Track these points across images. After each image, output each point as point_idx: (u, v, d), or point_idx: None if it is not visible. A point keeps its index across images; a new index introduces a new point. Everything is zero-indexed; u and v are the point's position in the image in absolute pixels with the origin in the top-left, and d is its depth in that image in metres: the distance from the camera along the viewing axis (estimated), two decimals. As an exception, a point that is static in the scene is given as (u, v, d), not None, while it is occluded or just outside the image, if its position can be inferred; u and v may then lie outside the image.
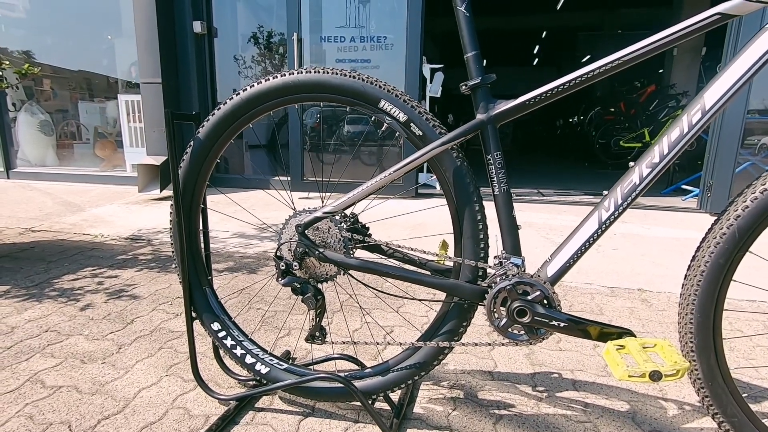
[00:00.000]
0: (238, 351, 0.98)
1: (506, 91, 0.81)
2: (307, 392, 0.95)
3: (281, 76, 0.85)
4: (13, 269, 1.85)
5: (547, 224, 2.73)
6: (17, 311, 1.45)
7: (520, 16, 10.11)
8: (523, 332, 0.80)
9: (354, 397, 0.91)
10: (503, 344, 0.81)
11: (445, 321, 0.88)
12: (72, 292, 1.61)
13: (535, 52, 13.77)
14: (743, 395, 0.77)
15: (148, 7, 3.51)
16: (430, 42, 10.43)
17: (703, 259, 0.72)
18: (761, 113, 2.94)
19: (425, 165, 4.03)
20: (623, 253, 2.15)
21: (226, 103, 0.89)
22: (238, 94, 0.88)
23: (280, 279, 0.88)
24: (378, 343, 0.91)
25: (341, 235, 0.86)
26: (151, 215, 2.90)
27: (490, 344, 0.83)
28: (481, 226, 0.83)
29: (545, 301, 0.78)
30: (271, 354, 0.99)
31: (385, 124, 0.84)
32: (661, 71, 7.05)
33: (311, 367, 1.04)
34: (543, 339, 0.79)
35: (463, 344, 0.86)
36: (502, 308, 0.79)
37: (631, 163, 0.77)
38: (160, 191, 3.50)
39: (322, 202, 0.88)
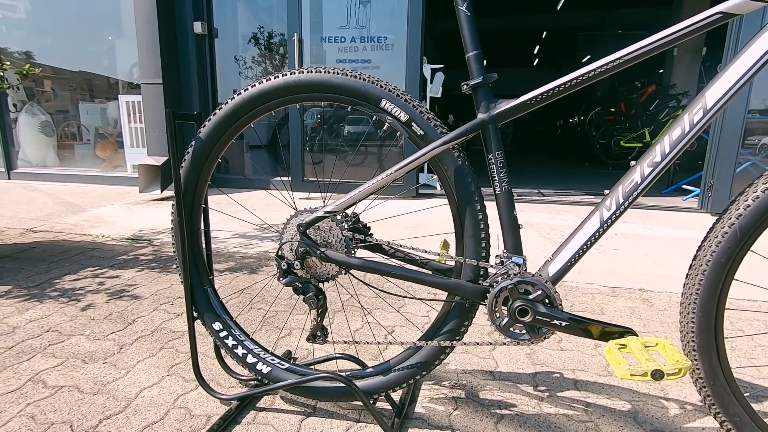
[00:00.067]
0: (240, 351, 0.98)
1: (506, 92, 0.81)
2: (308, 392, 0.95)
3: (282, 75, 0.85)
4: (15, 269, 1.85)
5: (547, 224, 2.73)
6: (18, 311, 1.45)
7: (521, 16, 10.11)
8: (524, 331, 0.80)
9: (355, 396, 0.91)
10: (504, 344, 0.81)
11: (447, 320, 0.88)
12: (73, 293, 1.61)
13: (535, 52, 13.77)
14: (745, 394, 0.77)
15: (148, 8, 3.52)
16: (430, 42, 10.44)
17: (704, 258, 0.72)
18: (762, 113, 2.94)
19: (426, 165, 4.04)
20: (624, 253, 2.15)
21: (227, 103, 0.89)
22: (240, 93, 0.88)
23: (281, 278, 0.88)
24: (379, 343, 0.91)
25: (342, 235, 0.86)
26: (152, 216, 2.90)
27: (491, 344, 0.83)
28: (482, 226, 0.83)
29: (547, 301, 0.78)
30: (272, 354, 1.00)
31: (387, 124, 0.84)
32: (661, 71, 7.05)
33: (312, 366, 1.04)
34: (544, 338, 0.79)
35: (465, 344, 0.86)
36: (503, 307, 0.79)
37: (633, 163, 0.77)
38: (161, 192, 3.50)
39: (323, 202, 0.88)
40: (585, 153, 6.88)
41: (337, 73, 0.84)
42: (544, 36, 11.90)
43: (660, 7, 8.01)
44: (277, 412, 0.97)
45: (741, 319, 1.45)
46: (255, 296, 1.62)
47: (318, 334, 0.90)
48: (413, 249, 0.87)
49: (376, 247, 0.92)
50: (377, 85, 0.83)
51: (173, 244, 0.97)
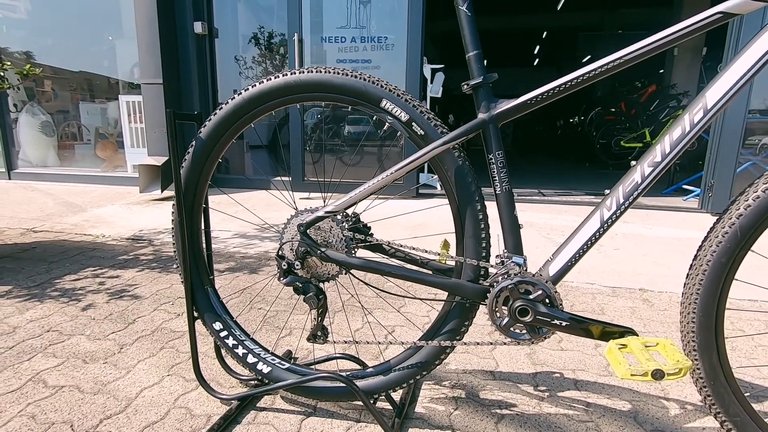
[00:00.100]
0: (240, 350, 0.98)
1: (507, 92, 0.81)
2: (308, 392, 0.95)
3: (283, 75, 0.85)
4: (15, 269, 1.85)
5: (548, 224, 2.73)
6: (19, 311, 1.45)
7: (521, 16, 10.11)
8: (524, 331, 0.80)
9: (356, 396, 0.91)
10: (505, 343, 0.81)
11: (447, 320, 0.88)
12: (73, 293, 1.62)
13: (535, 52, 13.77)
14: (745, 394, 0.77)
15: (149, 8, 3.52)
16: (430, 42, 10.44)
17: (705, 258, 0.72)
18: (762, 113, 2.93)
19: (426, 165, 4.04)
20: (624, 253, 2.15)
21: (227, 102, 0.89)
22: (240, 93, 0.88)
23: (282, 278, 0.88)
24: (380, 343, 0.91)
25: (343, 235, 0.86)
26: (152, 215, 2.90)
27: (491, 343, 0.83)
28: (482, 226, 0.83)
29: (547, 300, 0.78)
30: (272, 353, 1.00)
31: (387, 124, 0.84)
32: (661, 71, 7.05)
33: (313, 366, 1.04)
34: (545, 338, 0.79)
35: (465, 343, 0.86)
36: (504, 307, 0.79)
37: (633, 162, 0.77)
38: (161, 192, 3.50)
39: (324, 202, 0.88)
40: (585, 153, 6.88)
41: (338, 73, 0.84)
42: (544, 36, 11.90)
43: (660, 8, 8.01)
44: (278, 412, 0.97)
45: (741, 319, 1.45)
46: (255, 296, 1.62)
47: (318, 334, 0.90)
48: (414, 249, 0.87)
49: (377, 247, 0.92)
50: (378, 85, 0.83)
51: (174, 243, 0.97)
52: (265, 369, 0.96)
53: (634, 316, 1.47)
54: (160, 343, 1.26)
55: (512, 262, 0.80)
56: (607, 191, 0.82)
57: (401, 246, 0.91)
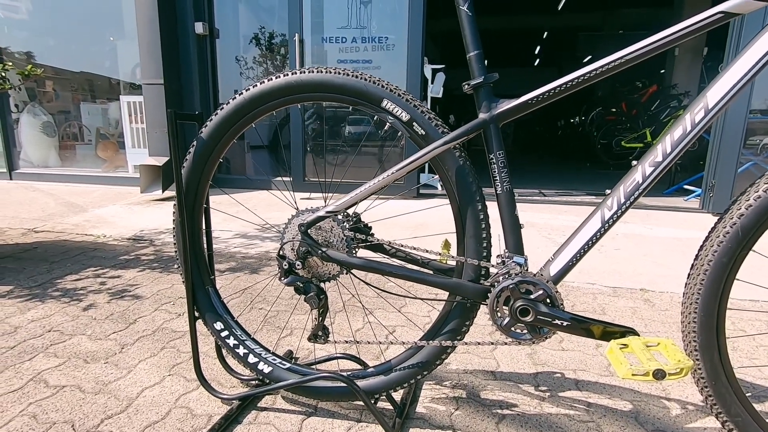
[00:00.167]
0: (241, 350, 0.98)
1: (507, 92, 0.81)
2: (309, 392, 0.95)
3: (284, 75, 0.86)
4: (16, 269, 1.85)
5: (548, 224, 2.73)
6: (20, 311, 1.45)
7: (521, 17, 10.11)
8: (525, 331, 0.80)
9: (357, 396, 0.91)
10: (506, 343, 0.81)
11: (448, 320, 0.88)
12: (75, 293, 1.62)
13: (536, 52, 13.77)
14: (747, 395, 0.77)
15: (150, 9, 3.52)
16: (431, 42, 10.44)
17: (706, 258, 0.72)
18: (763, 113, 2.93)
19: (427, 165, 4.04)
20: (625, 253, 2.15)
21: (228, 102, 0.89)
22: (241, 93, 0.88)
23: (283, 278, 0.88)
24: (380, 343, 0.91)
25: (344, 235, 0.86)
26: (153, 216, 2.91)
27: (492, 343, 0.83)
28: (483, 225, 0.83)
29: (548, 300, 0.78)
30: (273, 353, 1.00)
31: (388, 124, 0.84)
32: (662, 71, 7.04)
33: (314, 366, 1.04)
34: (546, 338, 0.79)
35: (466, 343, 0.86)
36: (504, 307, 0.79)
37: (634, 162, 0.77)
38: (162, 192, 3.50)
39: (325, 202, 0.88)
40: (586, 153, 6.87)
41: (339, 73, 0.84)
42: (545, 36, 11.90)
43: (661, 8, 8.00)
44: (279, 411, 0.97)
45: (742, 320, 1.45)
46: (256, 296, 1.62)
47: (319, 333, 0.90)
48: (414, 249, 0.87)
49: (378, 247, 0.92)
50: (378, 85, 0.83)
51: (175, 244, 0.97)
52: (266, 369, 0.96)
53: (635, 316, 1.47)
54: (161, 342, 1.27)
55: (513, 261, 0.80)
56: (608, 191, 0.82)
57: (402, 246, 0.91)
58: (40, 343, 1.25)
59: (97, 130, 4.54)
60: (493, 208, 0.79)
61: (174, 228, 0.96)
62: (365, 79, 0.83)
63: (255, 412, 0.97)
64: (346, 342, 0.94)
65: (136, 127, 3.97)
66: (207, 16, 3.81)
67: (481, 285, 0.82)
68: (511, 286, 0.78)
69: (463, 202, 0.83)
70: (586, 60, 10.97)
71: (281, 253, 0.88)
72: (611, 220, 0.76)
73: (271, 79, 0.86)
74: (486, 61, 0.81)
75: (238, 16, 3.97)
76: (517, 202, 0.83)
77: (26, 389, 1.04)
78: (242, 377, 1.05)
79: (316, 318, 0.89)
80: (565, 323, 0.77)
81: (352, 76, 0.83)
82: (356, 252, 0.88)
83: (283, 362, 0.98)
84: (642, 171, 0.74)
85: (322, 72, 0.84)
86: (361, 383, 0.92)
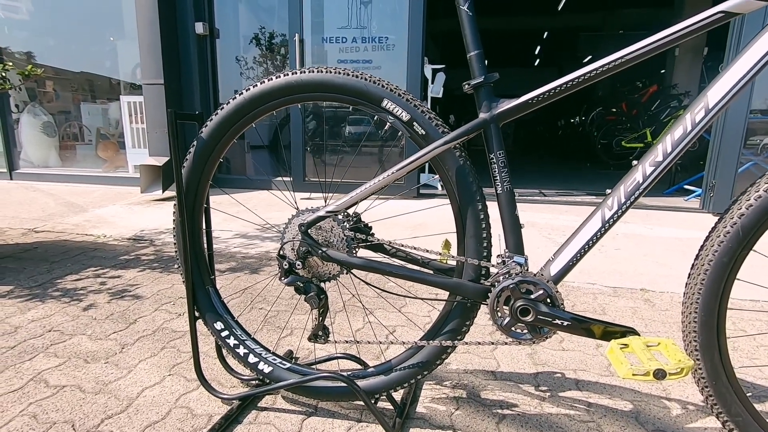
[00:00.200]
0: (241, 350, 0.98)
1: (507, 92, 0.81)
2: (310, 391, 0.95)
3: (284, 75, 0.85)
4: (17, 269, 1.85)
5: (549, 224, 2.73)
6: (20, 311, 1.45)
7: (521, 17, 10.11)
8: (526, 331, 0.79)
9: (357, 396, 0.91)
10: (506, 343, 0.81)
11: (448, 320, 0.88)
12: (75, 293, 1.62)
13: (536, 53, 13.76)
14: (747, 395, 0.77)
15: (150, 9, 3.52)
16: (431, 42, 10.44)
17: (707, 258, 0.72)
18: (763, 113, 2.93)
19: (427, 165, 4.04)
20: (626, 253, 2.15)
21: (229, 102, 0.89)
22: (241, 93, 0.88)
23: (283, 278, 0.88)
24: (381, 343, 0.91)
25: (344, 234, 0.86)
26: (154, 216, 2.91)
27: (493, 343, 0.83)
28: (484, 225, 0.83)
29: (548, 300, 0.78)
30: (273, 353, 1.00)
31: (388, 124, 0.84)
32: (663, 71, 7.04)
33: (314, 366, 1.04)
34: (546, 338, 0.79)
35: (466, 343, 0.86)
36: (505, 307, 0.79)
37: (635, 162, 0.77)
38: (162, 192, 3.50)
39: (325, 201, 0.88)
40: (586, 153, 6.87)
41: (339, 73, 0.84)
42: (545, 37, 11.90)
43: (661, 8, 8.00)
44: (279, 411, 0.97)
45: (743, 319, 1.45)
46: (256, 296, 1.62)
47: (319, 333, 0.90)
48: (415, 249, 0.87)
49: (378, 247, 0.92)
50: (379, 84, 0.83)
51: (175, 243, 0.97)
52: (267, 369, 0.96)
53: (636, 316, 1.47)
54: (161, 342, 1.27)
55: (513, 261, 0.80)
56: (608, 190, 0.82)
57: (402, 246, 0.91)
58: (40, 343, 1.25)
59: (98, 130, 4.54)
60: (493, 208, 0.79)
61: (174, 228, 0.96)
62: (365, 79, 0.83)
63: (255, 412, 0.97)
64: (347, 342, 0.94)
65: (137, 127, 3.97)
66: (207, 16, 3.81)
67: (481, 285, 0.82)
68: (511, 286, 0.78)
69: (463, 201, 0.83)
70: (586, 60, 10.97)
71: (281, 252, 0.88)
72: (612, 220, 0.76)
73: (272, 79, 0.86)
74: (486, 62, 0.81)
75: (239, 16, 3.97)
76: (517, 202, 0.83)
77: (26, 389, 1.04)
78: (242, 377, 1.05)
79: (316, 318, 0.89)
80: (565, 323, 0.77)
81: (353, 75, 0.83)
82: (356, 252, 0.88)
83: (284, 362, 0.98)
84: (642, 171, 0.74)
85: (322, 72, 0.84)
86: (361, 383, 0.92)
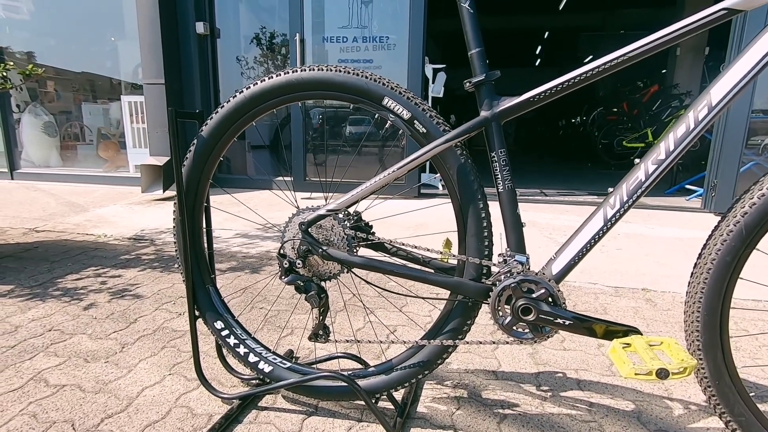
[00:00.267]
0: (242, 350, 0.97)
1: (508, 92, 0.80)
2: (310, 391, 0.95)
3: (284, 73, 0.85)
4: (17, 269, 1.85)
5: (550, 224, 2.72)
6: (21, 310, 1.45)
7: (521, 17, 10.10)
8: (527, 330, 0.79)
9: (357, 396, 0.91)
10: (507, 343, 0.81)
11: (449, 319, 0.87)
12: (75, 292, 1.62)
13: (537, 52, 13.75)
14: (750, 394, 0.76)
15: (151, 9, 3.53)
16: (432, 42, 10.42)
17: (709, 257, 0.71)
18: (765, 113, 2.92)
19: (428, 165, 4.04)
20: (627, 253, 2.14)
21: (229, 101, 0.89)
22: (242, 92, 0.88)
23: (283, 277, 0.87)
24: (381, 342, 0.91)
25: (344, 233, 0.86)
26: (154, 215, 2.91)
27: (494, 343, 0.83)
28: (485, 224, 0.83)
29: (550, 299, 0.77)
30: (274, 353, 0.99)
31: (388, 124, 0.84)
32: (664, 71, 7.03)
33: (314, 365, 1.04)
34: (548, 337, 0.79)
35: (467, 343, 0.85)
36: (506, 306, 0.79)
37: (637, 160, 0.77)
38: (163, 191, 3.50)
39: (325, 201, 0.88)
40: (587, 153, 6.86)
41: (339, 71, 0.83)
42: (546, 36, 11.89)
43: (662, 8, 7.99)
44: (279, 411, 0.97)
45: (745, 319, 1.44)
46: (257, 295, 1.61)
47: (320, 333, 0.90)
48: (415, 247, 0.87)
49: (378, 246, 0.92)
50: (379, 82, 0.83)
51: (175, 243, 0.97)
52: (267, 368, 0.96)
53: (637, 316, 1.46)
54: (161, 342, 1.26)
55: (515, 260, 0.80)
56: (610, 189, 0.81)
57: (403, 245, 0.91)
58: (40, 343, 1.25)
59: (99, 130, 4.55)
60: (494, 207, 0.79)
61: (174, 227, 0.96)
62: (366, 77, 0.83)
63: (255, 412, 0.96)
64: (347, 341, 0.94)
65: (137, 127, 3.97)
66: (208, 16, 3.81)
67: (482, 284, 0.82)
68: (512, 285, 0.78)
69: (464, 200, 0.82)
70: (587, 60, 10.96)
71: (282, 251, 0.88)
72: (614, 219, 0.76)
73: (272, 77, 0.86)
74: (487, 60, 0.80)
75: (239, 16, 3.97)
76: (518, 201, 0.82)
77: (26, 388, 1.03)
78: (243, 376, 1.05)
79: (316, 317, 0.89)
80: (567, 322, 0.76)
81: (353, 74, 0.83)
82: (357, 251, 0.88)
83: (284, 361, 0.97)
84: (645, 169, 0.74)
85: (322, 70, 0.84)
86: (361, 382, 0.91)
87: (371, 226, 0.94)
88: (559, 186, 4.45)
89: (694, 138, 0.71)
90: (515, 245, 0.81)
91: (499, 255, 0.83)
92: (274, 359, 0.98)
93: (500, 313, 0.80)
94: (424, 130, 0.82)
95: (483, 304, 0.84)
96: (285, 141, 4.03)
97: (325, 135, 3.77)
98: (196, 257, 0.98)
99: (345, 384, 0.91)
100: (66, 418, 0.93)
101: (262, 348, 0.99)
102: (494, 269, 0.83)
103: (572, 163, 7.43)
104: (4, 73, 1.96)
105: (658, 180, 0.74)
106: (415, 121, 0.82)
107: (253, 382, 1.04)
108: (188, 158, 0.92)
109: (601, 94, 8.12)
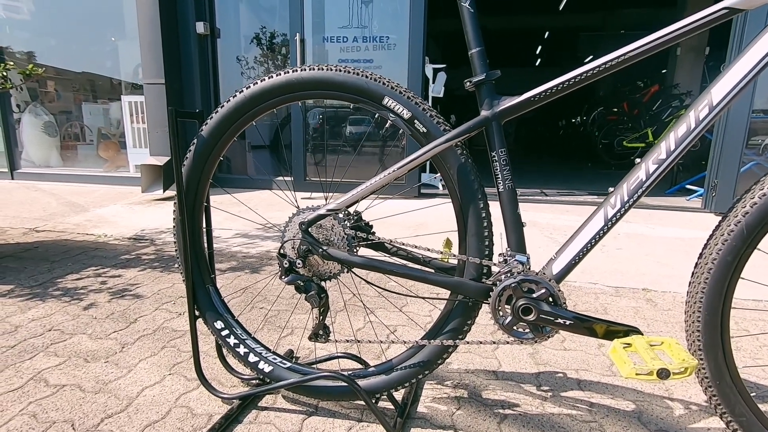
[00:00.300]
0: (242, 349, 0.97)
1: (508, 92, 0.80)
2: (310, 391, 0.95)
3: (284, 73, 0.85)
4: (18, 269, 1.85)
5: (550, 224, 2.72)
6: (21, 310, 1.45)
7: (522, 16, 10.10)
8: (528, 330, 0.79)
9: (357, 396, 0.91)
10: (508, 343, 0.81)
11: (449, 319, 0.87)
12: (75, 292, 1.62)
13: (537, 52, 13.75)
14: (751, 394, 0.76)
15: (151, 9, 3.52)
16: (432, 42, 10.43)
17: (710, 257, 0.71)
18: (766, 113, 2.92)
19: (428, 165, 4.04)
20: (627, 252, 2.14)
21: (229, 101, 0.88)
22: (242, 91, 0.88)
23: (283, 277, 0.87)
24: (382, 342, 0.91)
25: (345, 233, 0.86)
26: (154, 215, 2.90)
27: (494, 343, 0.83)
28: (485, 224, 0.82)
29: (551, 299, 0.77)
30: (274, 352, 0.99)
31: (388, 124, 0.83)
32: (664, 71, 7.02)
33: (315, 365, 1.04)
34: (548, 337, 0.79)
35: (468, 343, 0.85)
36: (507, 306, 0.79)
37: (637, 160, 0.76)
38: (163, 191, 3.50)
39: (326, 201, 0.87)
40: (587, 153, 6.86)
41: (340, 71, 0.83)
42: (546, 36, 11.88)
43: (662, 8, 7.99)
44: (279, 411, 0.96)
45: (746, 319, 1.44)
46: (257, 295, 1.61)
47: (320, 333, 0.90)
48: (416, 247, 0.87)
49: (379, 246, 0.92)
50: (380, 82, 0.83)
51: (175, 243, 0.97)
52: (267, 368, 0.96)
53: (638, 316, 1.46)
54: (161, 342, 1.26)
55: (515, 260, 0.80)
56: (611, 189, 0.81)
57: (403, 244, 0.90)
58: (40, 342, 1.25)
59: (99, 130, 4.55)
60: (495, 207, 0.79)
61: (174, 226, 0.96)
62: (366, 77, 0.83)
63: (255, 412, 0.96)
64: (347, 341, 0.94)
65: (138, 127, 3.97)
66: (208, 16, 3.81)
67: (483, 284, 0.82)
68: (513, 285, 0.77)
69: (464, 200, 0.82)
70: (587, 60, 10.95)
71: (282, 251, 0.88)
72: (614, 218, 0.75)
73: (272, 76, 0.86)
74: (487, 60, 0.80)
75: (239, 15, 3.97)
76: (518, 201, 0.82)
77: (26, 388, 1.03)
78: (243, 376, 1.05)
79: (316, 317, 0.89)
80: (567, 322, 0.76)
81: (353, 73, 0.83)
82: (357, 250, 0.88)
83: (284, 361, 0.97)
84: (646, 169, 0.74)
85: (323, 69, 0.84)
86: (362, 382, 0.91)
87: (371, 226, 0.93)
88: (560, 186, 4.45)
89: (695, 137, 0.71)
90: (516, 245, 0.81)
91: (500, 255, 0.82)
92: (274, 359, 0.97)
93: (501, 313, 0.79)
94: (425, 130, 0.82)
95: (483, 304, 0.84)
96: (285, 141, 4.03)
97: (325, 135, 3.76)
98: (196, 257, 0.97)
99: (345, 384, 0.91)
100: (66, 418, 0.93)
101: (262, 348, 0.99)
102: (495, 269, 0.83)
103: (572, 162, 7.42)
104: (5, 73, 1.96)
105: (659, 180, 0.74)
106: (416, 121, 0.82)
107: (253, 382, 1.04)
108: (188, 158, 0.92)
109: (602, 94, 8.11)
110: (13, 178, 4.48)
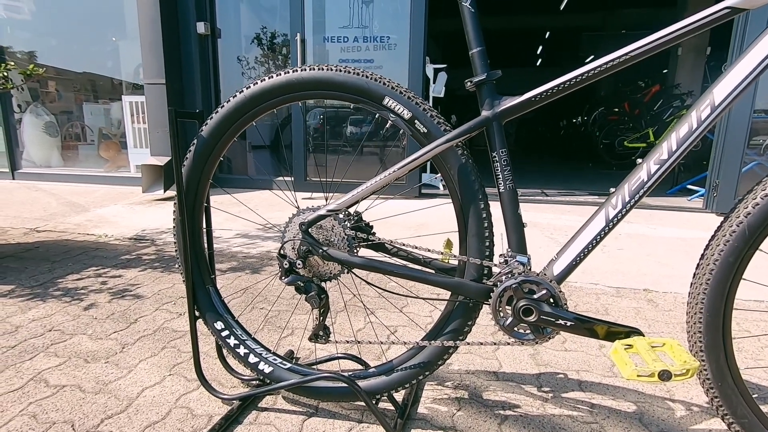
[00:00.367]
0: (242, 350, 0.97)
1: (508, 92, 0.80)
2: (310, 392, 0.95)
3: (285, 73, 0.85)
4: (18, 269, 1.85)
5: (551, 224, 2.71)
6: (21, 310, 1.45)
7: (522, 16, 10.09)
8: (528, 331, 0.79)
9: (358, 397, 0.91)
10: (508, 343, 0.80)
11: (450, 320, 0.87)
12: (76, 292, 1.61)
13: (537, 53, 13.74)
14: (753, 396, 0.76)
15: (152, 9, 3.53)
16: (433, 42, 10.43)
17: (712, 258, 0.71)
18: (767, 113, 2.91)
19: (429, 165, 4.03)
20: (629, 253, 2.13)
21: (229, 101, 0.88)
22: (242, 91, 0.87)
23: (283, 277, 0.87)
24: (382, 343, 0.91)
25: (345, 233, 0.86)
26: (155, 215, 2.91)
27: (495, 344, 0.82)
28: (486, 224, 0.82)
29: (551, 300, 0.77)
30: (274, 353, 0.99)
31: (389, 124, 0.83)
32: (665, 71, 7.02)
33: (315, 366, 1.04)
34: (549, 338, 0.79)
35: (468, 344, 0.85)
36: (507, 307, 0.78)
37: (639, 160, 0.76)
38: (164, 191, 3.50)
39: (326, 201, 0.87)
40: (588, 153, 6.85)
41: (340, 71, 0.83)
42: (546, 36, 11.87)
43: (662, 8, 7.98)
44: (279, 412, 0.96)
45: (747, 320, 1.44)
46: (257, 296, 1.61)
47: (320, 333, 0.90)
48: (416, 248, 0.86)
49: (379, 246, 0.92)
50: (380, 82, 0.82)
51: (175, 242, 0.97)
52: (267, 369, 0.96)
53: (639, 317, 1.46)
54: (161, 342, 1.26)
55: (516, 261, 0.79)
56: (612, 189, 0.81)
57: (404, 245, 0.90)
58: (40, 343, 1.25)
59: (100, 130, 4.55)
60: (495, 207, 0.79)
61: (174, 227, 0.96)
62: (367, 77, 0.82)
63: (255, 413, 0.96)
64: (348, 342, 0.93)
65: (138, 127, 3.97)
66: (209, 16, 3.81)
67: (483, 284, 0.81)
68: (514, 286, 0.77)
69: (465, 200, 0.82)
70: (588, 60, 10.94)
71: (282, 252, 0.87)
72: (616, 219, 0.75)
73: (272, 76, 0.86)
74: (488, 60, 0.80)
75: (240, 15, 3.97)
76: (519, 201, 0.82)
77: (26, 389, 1.03)
78: (243, 377, 1.05)
79: (317, 318, 0.89)
80: (568, 323, 0.76)
81: (354, 73, 0.83)
82: (357, 251, 0.87)
83: (284, 362, 0.97)
84: (647, 169, 0.73)
85: (323, 69, 0.83)
86: (362, 383, 0.91)
87: (372, 227, 0.93)
88: (561, 186, 4.44)
89: (697, 138, 0.71)
90: (516, 246, 0.80)
91: (500, 255, 0.82)
92: (275, 360, 0.97)
93: (501, 314, 0.79)
94: (425, 130, 0.82)
95: (484, 305, 0.84)
96: (285, 141, 4.03)
97: (325, 135, 3.76)
98: (196, 257, 0.97)
99: (345, 385, 0.91)
100: (66, 419, 0.93)
101: (262, 349, 0.99)
102: (495, 270, 0.83)
103: (573, 163, 7.41)
104: (5, 73, 1.96)
105: (661, 180, 0.74)
106: (416, 121, 0.82)
107: (254, 382, 1.04)
108: (188, 158, 0.92)
109: (603, 94, 8.10)
110: (14, 178, 4.48)
